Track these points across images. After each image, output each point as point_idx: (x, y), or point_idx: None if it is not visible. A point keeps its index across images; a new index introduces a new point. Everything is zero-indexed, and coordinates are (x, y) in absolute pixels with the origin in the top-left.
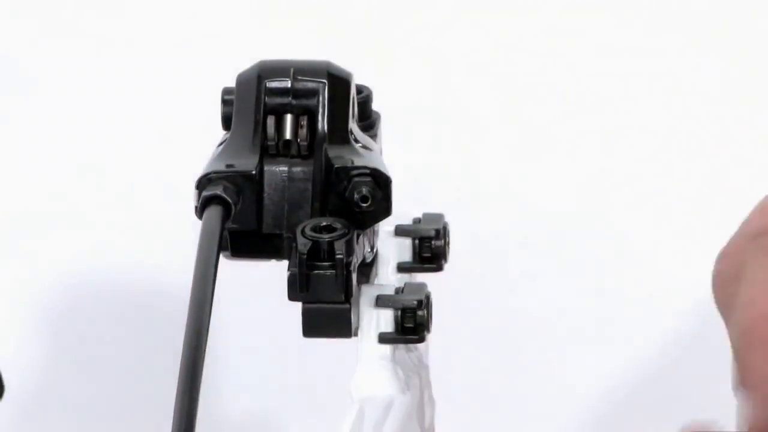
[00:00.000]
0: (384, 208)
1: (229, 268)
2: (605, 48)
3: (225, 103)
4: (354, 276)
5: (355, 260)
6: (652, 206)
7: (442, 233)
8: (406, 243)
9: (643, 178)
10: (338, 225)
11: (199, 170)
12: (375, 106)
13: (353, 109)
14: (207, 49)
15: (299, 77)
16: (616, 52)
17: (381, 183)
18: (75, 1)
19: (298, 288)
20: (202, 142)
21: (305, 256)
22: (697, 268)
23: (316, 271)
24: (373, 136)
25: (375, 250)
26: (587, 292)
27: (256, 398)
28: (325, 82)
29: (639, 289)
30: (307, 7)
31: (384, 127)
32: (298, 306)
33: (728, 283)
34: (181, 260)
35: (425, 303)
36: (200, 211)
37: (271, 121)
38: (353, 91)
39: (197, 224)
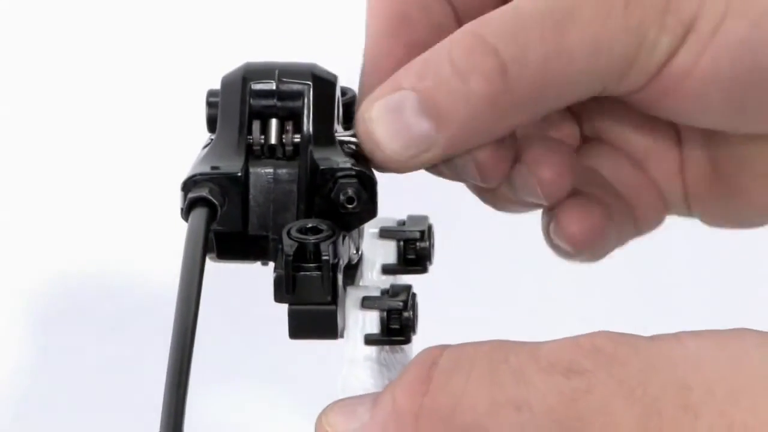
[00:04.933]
0: (369, 210)
1: (215, 270)
2: None
3: (210, 105)
4: (340, 277)
5: (341, 262)
6: None
7: (426, 235)
8: (391, 245)
9: None
10: (324, 227)
11: (185, 172)
12: None
13: (338, 111)
14: (192, 52)
15: (284, 79)
16: None
17: (366, 184)
18: (70, 2)
19: (284, 289)
20: (187, 144)
21: (291, 258)
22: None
23: (303, 273)
24: None
25: (360, 252)
26: (578, 288)
27: (242, 399)
28: (310, 84)
29: (634, 289)
30: (293, 10)
31: None
32: (284, 307)
33: None
34: (167, 262)
35: (411, 304)
36: (186, 213)
37: (256, 123)
38: (338, 93)
39: (183, 226)
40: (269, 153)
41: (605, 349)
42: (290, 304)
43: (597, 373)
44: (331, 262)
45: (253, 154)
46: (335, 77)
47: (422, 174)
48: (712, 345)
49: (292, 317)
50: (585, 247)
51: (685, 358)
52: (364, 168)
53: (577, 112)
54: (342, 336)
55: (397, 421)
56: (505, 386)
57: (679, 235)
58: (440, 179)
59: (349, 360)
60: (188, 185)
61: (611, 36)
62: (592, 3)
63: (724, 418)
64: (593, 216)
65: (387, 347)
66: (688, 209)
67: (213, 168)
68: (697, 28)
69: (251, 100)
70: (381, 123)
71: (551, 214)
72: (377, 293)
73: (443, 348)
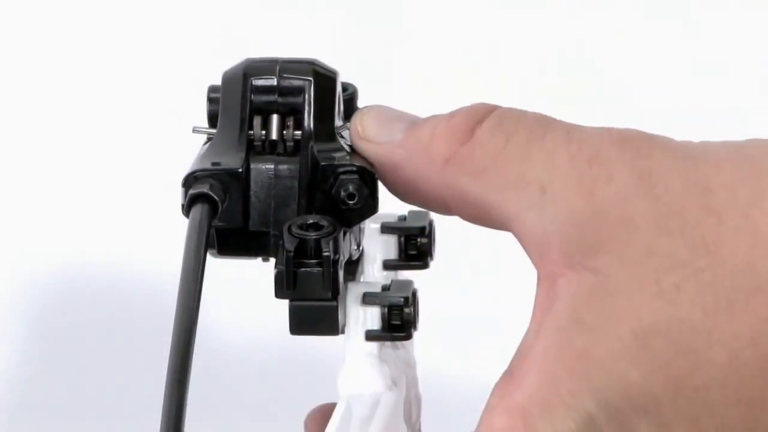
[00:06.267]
0: (370, 206)
1: (216, 266)
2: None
3: (211, 101)
4: (341, 273)
5: (342, 258)
6: None
7: (427, 230)
8: (392, 240)
9: None
10: (325, 222)
11: (186, 168)
12: (360, 103)
13: (339, 107)
14: (193, 48)
15: (285, 75)
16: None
17: (367, 180)
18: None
19: (285, 286)
20: (188, 140)
21: (292, 254)
22: None
23: (303, 269)
24: None
25: (361, 248)
26: None
27: (243, 395)
28: (310, 80)
29: None
30: (294, 4)
31: None
32: (285, 303)
33: None
34: (168, 259)
35: (412, 300)
36: (187, 209)
37: (257, 118)
38: (339, 88)
39: (184, 222)
40: (270, 149)
41: (632, 140)
42: (291, 300)
43: (618, 164)
44: (331, 258)
45: (254, 149)
46: (336, 73)
47: None
48: (733, 150)
49: (293, 313)
50: None
51: (707, 160)
52: (365, 164)
53: None
54: (343, 332)
55: (425, 158)
56: (535, 165)
57: None
58: None
59: (350, 356)
60: (189, 181)
61: None
62: None
63: (749, 221)
64: None
65: (388, 343)
66: None
67: (214, 164)
68: None
69: (252, 96)
70: None
71: None
72: (378, 289)
73: (494, 107)
